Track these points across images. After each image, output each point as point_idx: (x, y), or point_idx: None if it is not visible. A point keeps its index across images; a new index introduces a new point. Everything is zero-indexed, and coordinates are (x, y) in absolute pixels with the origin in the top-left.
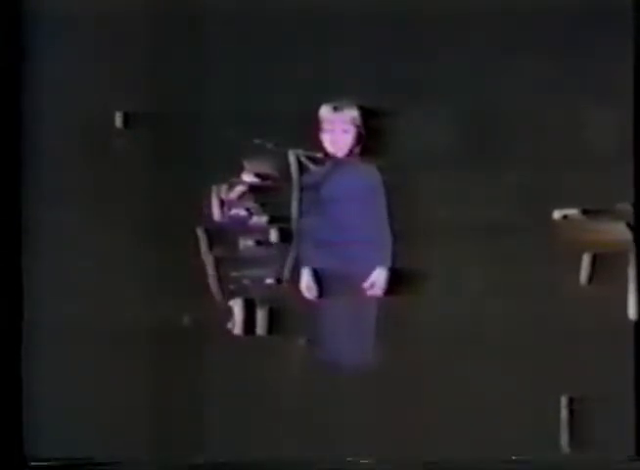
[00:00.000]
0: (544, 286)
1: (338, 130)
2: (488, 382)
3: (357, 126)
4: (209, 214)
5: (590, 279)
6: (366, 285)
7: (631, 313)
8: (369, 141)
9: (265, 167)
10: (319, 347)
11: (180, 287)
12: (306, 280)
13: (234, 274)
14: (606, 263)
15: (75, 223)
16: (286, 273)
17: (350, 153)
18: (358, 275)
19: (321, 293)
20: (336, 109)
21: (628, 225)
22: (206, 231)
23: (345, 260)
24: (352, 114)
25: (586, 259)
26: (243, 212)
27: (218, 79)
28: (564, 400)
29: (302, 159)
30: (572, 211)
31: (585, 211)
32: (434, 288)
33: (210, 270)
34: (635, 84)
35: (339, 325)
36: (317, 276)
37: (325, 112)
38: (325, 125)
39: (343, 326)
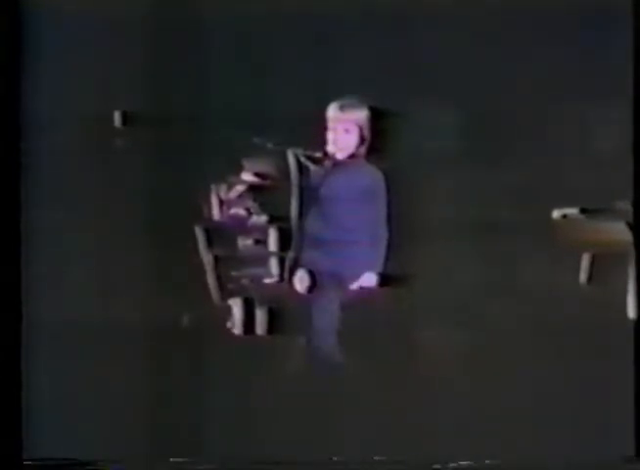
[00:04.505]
0: (544, 286)
1: (340, 130)
2: (488, 382)
3: (360, 127)
4: (209, 214)
5: (590, 279)
6: (354, 288)
7: (631, 313)
8: (374, 142)
9: (265, 167)
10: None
11: (179, 286)
12: (300, 274)
13: (233, 274)
14: (606, 263)
15: (75, 223)
16: (285, 272)
17: (353, 154)
18: (351, 276)
19: (312, 287)
20: (342, 108)
21: (628, 225)
22: (206, 230)
23: (340, 260)
24: (357, 114)
25: (586, 259)
26: (242, 212)
27: (218, 79)
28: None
29: (302, 158)
30: (572, 211)
31: (585, 211)
32: (433, 287)
33: (209, 270)
34: (635, 84)
35: (330, 322)
36: (311, 273)
37: (331, 110)
38: (329, 124)
39: (333, 324)
